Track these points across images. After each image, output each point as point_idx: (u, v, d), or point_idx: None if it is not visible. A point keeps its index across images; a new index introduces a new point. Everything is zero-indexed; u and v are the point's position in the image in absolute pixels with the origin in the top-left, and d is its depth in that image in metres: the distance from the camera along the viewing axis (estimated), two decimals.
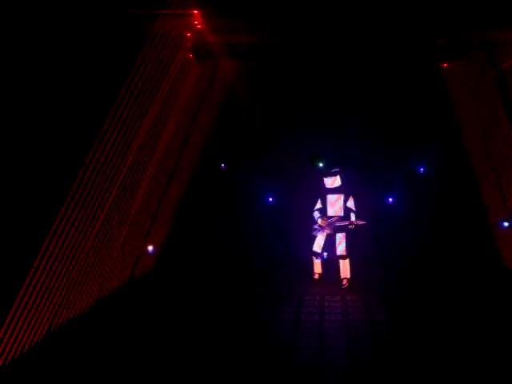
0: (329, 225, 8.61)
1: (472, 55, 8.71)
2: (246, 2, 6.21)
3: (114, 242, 7.23)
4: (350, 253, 8.72)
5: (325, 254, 8.87)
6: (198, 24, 6.60)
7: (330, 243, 8.73)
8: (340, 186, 8.73)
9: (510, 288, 8.03)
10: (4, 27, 5.44)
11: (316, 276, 8.83)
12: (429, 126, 10.68)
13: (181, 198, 10.01)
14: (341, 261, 8.64)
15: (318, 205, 8.78)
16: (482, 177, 9.93)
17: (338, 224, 8.56)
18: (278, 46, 8.26)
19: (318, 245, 8.74)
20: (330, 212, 8.68)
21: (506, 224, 9.68)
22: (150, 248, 9.01)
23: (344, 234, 8.62)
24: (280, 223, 10.81)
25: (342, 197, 8.70)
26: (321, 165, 9.63)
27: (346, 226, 8.54)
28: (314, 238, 8.78)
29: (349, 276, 8.63)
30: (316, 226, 8.74)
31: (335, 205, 8.69)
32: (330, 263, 8.87)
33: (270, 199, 11.07)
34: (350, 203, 8.69)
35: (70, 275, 6.04)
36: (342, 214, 8.62)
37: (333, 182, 8.70)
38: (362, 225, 8.53)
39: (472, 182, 10.23)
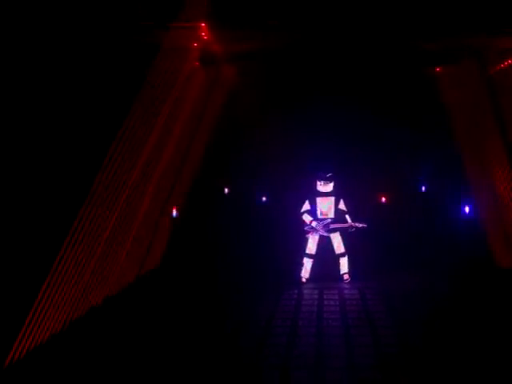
0: (323, 227, 8.89)
1: (464, 61, 9.13)
2: (248, 14, 6.60)
3: (121, 246, 7.60)
4: (349, 250, 9.10)
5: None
6: (204, 35, 7.03)
7: (324, 243, 9.04)
8: (332, 189, 8.94)
9: (501, 285, 8.33)
10: (26, 42, 5.83)
11: (303, 280, 9.03)
12: (423, 126, 11.07)
13: (183, 201, 10.41)
14: (341, 258, 9.03)
15: (306, 206, 8.96)
16: (474, 176, 10.24)
17: (336, 227, 8.85)
18: (276, 51, 8.68)
19: (311, 247, 9.01)
20: (321, 214, 8.90)
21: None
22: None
23: (338, 233, 8.96)
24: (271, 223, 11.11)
25: (333, 199, 8.94)
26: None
27: (345, 228, 8.85)
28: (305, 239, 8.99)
29: (347, 271, 9.07)
30: (308, 229, 8.93)
31: (326, 207, 8.91)
32: (328, 261, 9.20)
33: (264, 198, 11.40)
34: (342, 205, 8.94)
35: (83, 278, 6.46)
36: (333, 216, 8.90)
37: (326, 186, 8.91)
38: (363, 227, 8.82)
39: (464, 182, 10.59)
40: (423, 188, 11.66)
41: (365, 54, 8.71)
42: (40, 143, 5.76)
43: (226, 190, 11.28)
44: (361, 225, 8.84)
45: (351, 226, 8.84)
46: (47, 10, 5.99)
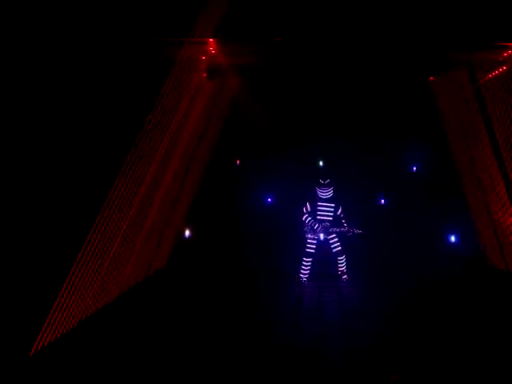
0: (322, 230, 9.38)
1: (454, 71, 9.61)
2: (252, 31, 7.09)
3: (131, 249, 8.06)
4: (345, 250, 9.61)
5: None
6: (212, 49, 7.57)
7: (323, 243, 9.56)
8: (332, 195, 9.48)
9: (493, 284, 8.73)
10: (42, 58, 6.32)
11: (304, 279, 9.51)
12: (419, 132, 11.50)
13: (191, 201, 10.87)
14: (338, 258, 9.52)
15: (308, 209, 9.45)
16: (466, 178, 10.55)
17: (335, 230, 9.37)
18: (278, 64, 9.20)
19: (311, 247, 9.53)
20: (321, 217, 9.41)
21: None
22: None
23: (336, 234, 9.47)
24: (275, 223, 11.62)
25: (333, 205, 9.46)
26: (321, 163, 10.30)
27: (343, 232, 9.37)
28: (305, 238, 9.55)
29: (345, 270, 9.54)
30: (308, 230, 9.43)
31: (326, 211, 9.44)
32: (326, 260, 9.76)
33: (269, 199, 11.89)
34: (340, 211, 9.47)
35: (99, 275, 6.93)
36: (332, 219, 9.41)
37: (326, 192, 9.45)
38: (360, 233, 9.38)
39: (457, 183, 11.02)
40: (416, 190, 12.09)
41: (363, 65, 9.18)
42: (66, 152, 6.26)
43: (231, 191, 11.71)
44: (358, 231, 9.35)
45: (349, 231, 9.36)
46: (68, 25, 6.51)
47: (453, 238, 11.11)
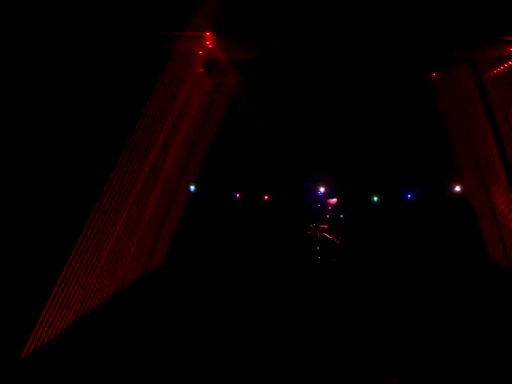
0: (320, 230, 10.16)
1: (457, 67, 9.52)
2: (249, 26, 6.99)
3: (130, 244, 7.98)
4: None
5: None
6: (209, 44, 7.46)
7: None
8: (336, 203, 10.35)
9: (492, 278, 8.79)
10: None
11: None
12: (419, 130, 11.43)
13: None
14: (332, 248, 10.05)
15: (315, 214, 10.40)
16: (467, 175, 10.65)
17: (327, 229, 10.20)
18: (275, 61, 9.11)
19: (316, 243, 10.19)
20: (324, 221, 10.34)
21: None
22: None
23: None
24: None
25: (335, 209, 10.37)
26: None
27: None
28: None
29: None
30: (312, 230, 10.28)
31: (329, 215, 10.36)
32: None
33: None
34: (341, 213, 10.31)
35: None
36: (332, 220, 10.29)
37: (331, 201, 10.33)
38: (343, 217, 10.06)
39: (459, 180, 10.97)
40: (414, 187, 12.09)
41: (364, 61, 9.07)
42: (63, 148, 6.18)
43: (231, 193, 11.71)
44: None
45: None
46: (65, 19, 6.42)
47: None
